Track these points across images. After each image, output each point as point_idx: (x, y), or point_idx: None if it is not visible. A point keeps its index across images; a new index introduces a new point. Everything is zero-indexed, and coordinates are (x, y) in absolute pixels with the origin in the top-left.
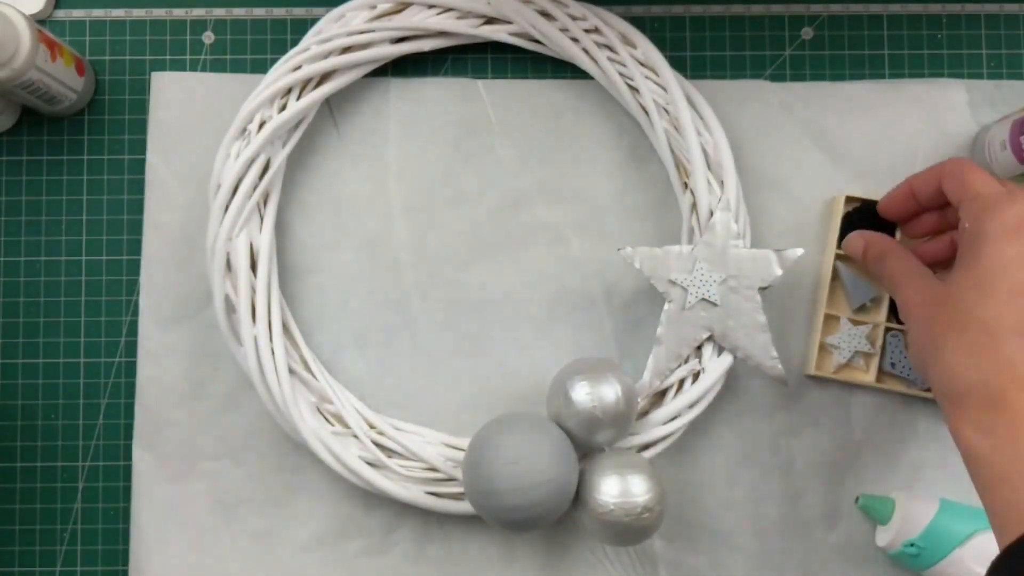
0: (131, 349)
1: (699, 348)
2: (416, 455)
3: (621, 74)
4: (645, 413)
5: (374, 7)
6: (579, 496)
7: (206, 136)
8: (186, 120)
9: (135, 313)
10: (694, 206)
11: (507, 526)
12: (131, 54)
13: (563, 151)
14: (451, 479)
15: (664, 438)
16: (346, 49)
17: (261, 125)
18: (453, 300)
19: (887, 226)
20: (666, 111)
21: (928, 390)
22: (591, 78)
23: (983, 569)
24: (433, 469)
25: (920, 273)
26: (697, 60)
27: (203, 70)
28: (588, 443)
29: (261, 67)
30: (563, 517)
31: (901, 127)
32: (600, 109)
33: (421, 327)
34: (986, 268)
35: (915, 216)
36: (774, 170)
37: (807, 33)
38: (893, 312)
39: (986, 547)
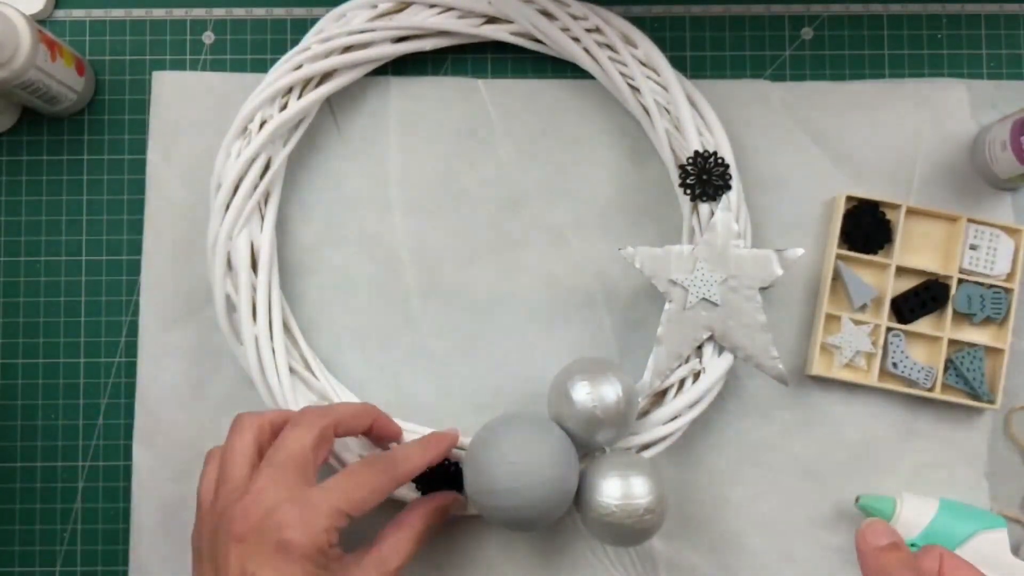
0: (131, 349)
1: (699, 348)
2: None
3: (622, 74)
4: (645, 413)
5: (375, 6)
6: (580, 497)
7: (207, 135)
8: (186, 120)
9: (135, 313)
10: (695, 206)
11: (507, 526)
12: (131, 54)
13: (563, 151)
14: None
15: (664, 438)
16: (347, 48)
17: (262, 124)
18: (453, 299)
19: (885, 226)
20: (667, 111)
21: (930, 390)
22: (592, 78)
23: (983, 569)
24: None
25: None
26: (697, 60)
27: (203, 70)
28: (589, 443)
29: (261, 67)
30: (563, 517)
31: (901, 127)
32: (600, 109)
33: (421, 326)
34: None
35: None
36: (774, 170)
37: (807, 33)
38: (894, 312)
39: (986, 547)
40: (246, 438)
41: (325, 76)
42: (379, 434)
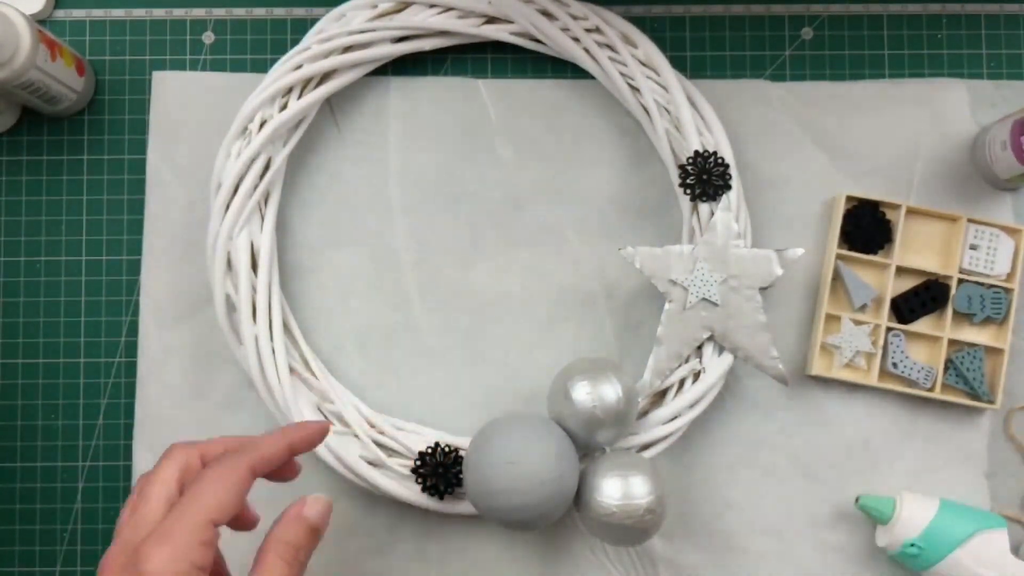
0: (131, 349)
1: (699, 348)
2: (417, 455)
3: (622, 74)
4: (645, 413)
5: (375, 6)
6: (580, 497)
7: (207, 135)
8: (187, 119)
9: (135, 313)
10: (695, 206)
11: (507, 526)
12: (131, 54)
13: (563, 151)
14: None
15: (664, 438)
16: (347, 48)
17: (262, 124)
18: (453, 300)
19: (885, 226)
20: (667, 111)
21: (930, 390)
22: (592, 78)
23: (983, 569)
24: None
25: None
26: (697, 60)
27: (203, 70)
28: (589, 443)
29: (261, 67)
30: (563, 517)
31: (901, 127)
32: (600, 109)
33: (421, 327)
34: None
35: None
36: (774, 170)
37: (807, 33)
38: (894, 312)
39: (986, 547)
40: (169, 470)
41: (325, 76)
42: (300, 449)
